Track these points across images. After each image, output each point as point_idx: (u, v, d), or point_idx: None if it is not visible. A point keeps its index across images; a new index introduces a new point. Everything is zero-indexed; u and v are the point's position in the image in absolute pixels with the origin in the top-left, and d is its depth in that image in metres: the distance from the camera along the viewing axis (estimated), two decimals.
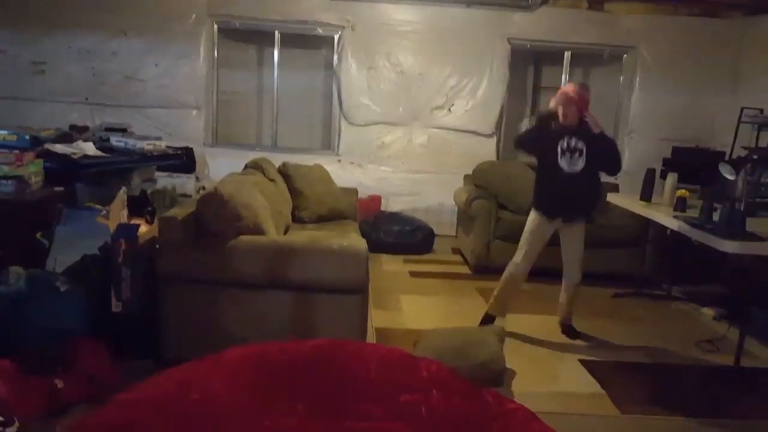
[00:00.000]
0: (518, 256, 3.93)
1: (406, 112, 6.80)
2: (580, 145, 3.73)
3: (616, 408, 3.16)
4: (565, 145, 3.76)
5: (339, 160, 6.79)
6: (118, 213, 3.27)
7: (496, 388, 2.80)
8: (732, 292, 4.63)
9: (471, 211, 5.47)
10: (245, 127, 7.27)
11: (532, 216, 3.94)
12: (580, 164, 3.74)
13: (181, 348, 3.11)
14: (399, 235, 6.03)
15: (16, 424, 2.01)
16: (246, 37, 6.99)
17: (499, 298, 4.00)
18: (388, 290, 4.79)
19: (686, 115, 6.77)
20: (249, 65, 7.22)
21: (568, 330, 4.12)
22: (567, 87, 3.84)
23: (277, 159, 5.01)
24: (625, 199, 4.90)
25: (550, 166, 3.80)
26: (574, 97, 3.72)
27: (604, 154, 3.77)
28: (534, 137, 4.00)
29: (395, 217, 6.26)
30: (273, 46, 6.78)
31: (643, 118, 6.91)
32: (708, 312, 4.70)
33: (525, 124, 7.64)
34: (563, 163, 3.76)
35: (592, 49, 6.95)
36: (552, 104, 3.80)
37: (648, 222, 4.81)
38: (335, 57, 6.76)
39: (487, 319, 4.02)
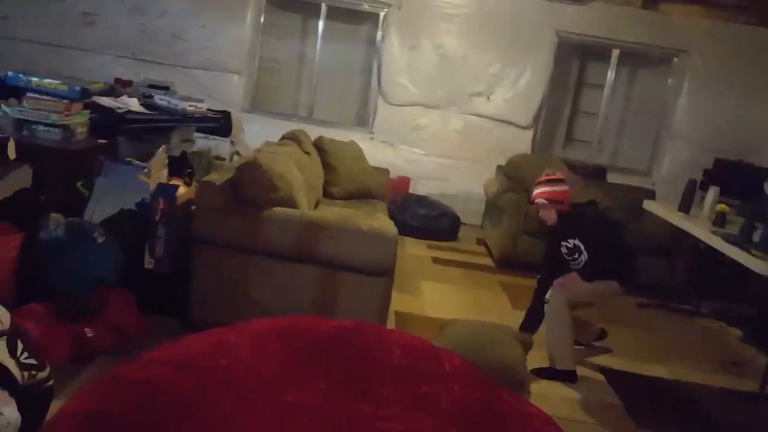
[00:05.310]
0: None
1: (445, 95, 6.75)
2: (577, 242, 3.30)
3: (632, 421, 3.13)
4: (565, 250, 3.36)
5: (372, 138, 6.78)
6: (159, 172, 3.31)
7: None
8: (762, 313, 4.52)
9: (501, 203, 5.43)
10: (282, 95, 7.28)
11: None
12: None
13: (208, 310, 3.17)
14: (425, 219, 6.03)
15: (48, 369, 2.05)
16: (293, 6, 6.97)
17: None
18: (410, 274, 4.80)
19: (732, 127, 6.61)
20: (293, 34, 7.19)
21: None
22: (533, 193, 3.41)
23: (312, 131, 5.01)
24: (662, 207, 4.82)
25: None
26: (543, 204, 3.34)
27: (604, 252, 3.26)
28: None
29: (423, 201, 6.24)
30: (318, 18, 6.77)
31: (688, 124, 6.77)
32: (736, 332, 4.62)
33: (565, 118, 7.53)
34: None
35: (641, 48, 6.82)
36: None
37: (682, 233, 4.65)
38: (379, 34, 6.74)
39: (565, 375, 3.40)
